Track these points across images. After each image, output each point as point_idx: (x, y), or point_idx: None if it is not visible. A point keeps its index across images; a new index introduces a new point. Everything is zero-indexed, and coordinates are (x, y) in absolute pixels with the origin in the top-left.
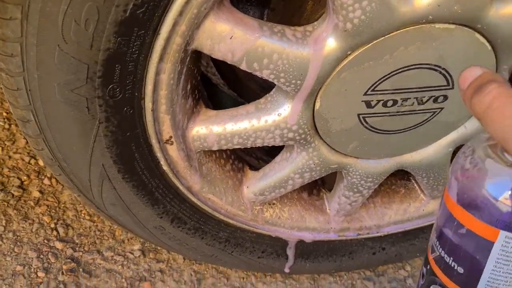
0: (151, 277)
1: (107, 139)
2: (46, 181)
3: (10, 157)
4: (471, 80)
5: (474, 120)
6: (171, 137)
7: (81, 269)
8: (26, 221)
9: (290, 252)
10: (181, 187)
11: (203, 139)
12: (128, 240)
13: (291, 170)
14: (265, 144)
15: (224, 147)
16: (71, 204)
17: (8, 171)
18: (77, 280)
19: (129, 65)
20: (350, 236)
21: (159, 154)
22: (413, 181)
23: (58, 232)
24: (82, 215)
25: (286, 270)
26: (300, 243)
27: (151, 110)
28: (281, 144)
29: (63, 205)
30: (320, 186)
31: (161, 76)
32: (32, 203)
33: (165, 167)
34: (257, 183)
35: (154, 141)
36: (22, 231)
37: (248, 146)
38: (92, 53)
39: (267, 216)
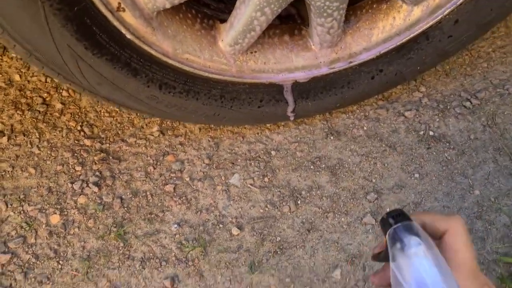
0: (173, 150)
1: (57, 18)
2: (64, 93)
3: (28, 81)
4: None
5: None
6: (120, 3)
7: (110, 157)
8: (55, 130)
9: (288, 95)
10: (154, 53)
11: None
12: (146, 125)
13: (251, 10)
14: None
15: (176, 2)
16: (90, 107)
17: (30, 92)
18: (109, 166)
19: None
20: (342, 66)
21: (116, 23)
22: None
23: (84, 132)
24: (102, 113)
25: (289, 114)
26: (296, 85)
27: None
28: None
29: (84, 110)
30: (300, 24)
31: None
32: (57, 114)
33: (129, 36)
34: (228, 33)
35: (105, 11)
36: (54, 138)
37: None
38: None
39: (252, 65)
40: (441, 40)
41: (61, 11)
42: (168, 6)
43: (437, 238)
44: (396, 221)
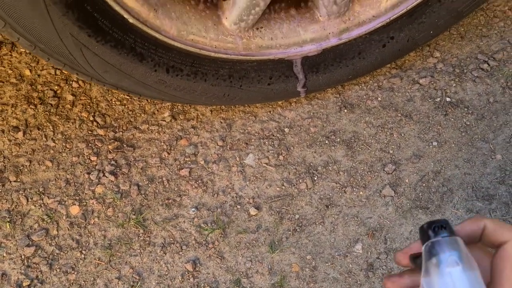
0: (186, 134)
1: (57, 7)
2: (74, 85)
3: (39, 75)
4: None
5: None
6: None
7: (124, 145)
8: (68, 121)
9: (298, 70)
10: (158, 36)
11: None
12: (157, 111)
13: None
14: None
15: None
16: (101, 97)
17: (41, 86)
18: (124, 154)
19: None
20: (352, 36)
21: (118, 8)
22: None
23: (97, 122)
24: (113, 102)
25: (300, 90)
26: (305, 59)
27: None
28: None
29: (95, 100)
30: None
31: None
32: (69, 106)
33: (131, 20)
34: (232, 11)
35: None
36: (68, 130)
37: None
38: None
39: (259, 42)
40: (454, 1)
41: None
42: None
43: (494, 247)
44: (436, 234)
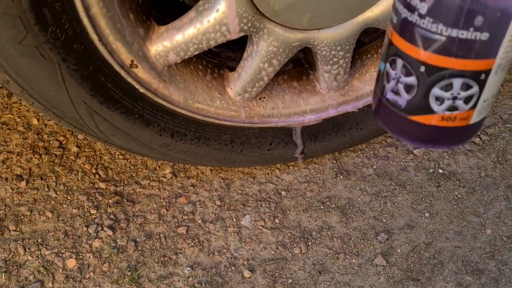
0: (185, 192)
1: (73, 78)
2: (80, 137)
3: (46, 124)
4: None
5: None
6: (132, 61)
7: (124, 200)
8: (71, 173)
9: (297, 138)
10: (165, 104)
11: (163, 55)
12: (159, 167)
13: (258, 61)
14: (219, 43)
15: (186, 57)
16: (105, 150)
17: (47, 136)
18: (123, 209)
19: (56, 5)
20: (350, 109)
21: (130, 79)
22: None
23: (99, 175)
24: (117, 156)
25: (298, 156)
26: (305, 127)
27: (99, 42)
28: (233, 37)
29: (99, 152)
30: (307, 69)
31: (93, 10)
32: (73, 157)
33: (142, 90)
34: (237, 83)
35: (118, 69)
36: (70, 181)
37: (205, 49)
38: (16, 3)
39: (261, 111)
40: None
41: (77, 71)
42: (178, 60)
43: None
44: None
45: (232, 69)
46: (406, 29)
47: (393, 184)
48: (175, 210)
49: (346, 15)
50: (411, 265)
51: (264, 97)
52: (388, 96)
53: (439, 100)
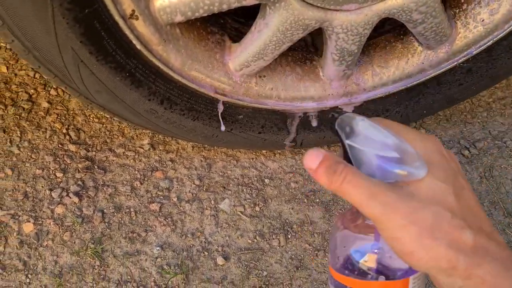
0: (163, 166)
1: (65, 19)
2: (53, 92)
3: (16, 74)
4: (318, 161)
5: None
6: (134, 10)
7: (96, 166)
8: (39, 130)
9: (291, 125)
10: (161, 65)
11: (168, 12)
12: (137, 136)
13: (268, 35)
14: (232, 7)
15: (193, 17)
16: (79, 110)
17: (16, 87)
18: (93, 176)
19: None
20: (349, 102)
21: (127, 32)
22: (411, 36)
23: (70, 136)
24: (91, 118)
25: (287, 143)
26: (302, 115)
27: None
28: (248, 4)
29: (72, 112)
30: (312, 54)
31: None
32: (42, 113)
33: (138, 46)
34: (240, 55)
35: (117, 18)
36: (37, 139)
37: (216, 11)
38: None
39: (259, 90)
40: (451, 88)
41: (71, 12)
42: (183, 20)
43: None
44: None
45: (236, 41)
46: None
47: None
48: (150, 184)
49: None
50: None
51: (265, 76)
52: None
53: None
